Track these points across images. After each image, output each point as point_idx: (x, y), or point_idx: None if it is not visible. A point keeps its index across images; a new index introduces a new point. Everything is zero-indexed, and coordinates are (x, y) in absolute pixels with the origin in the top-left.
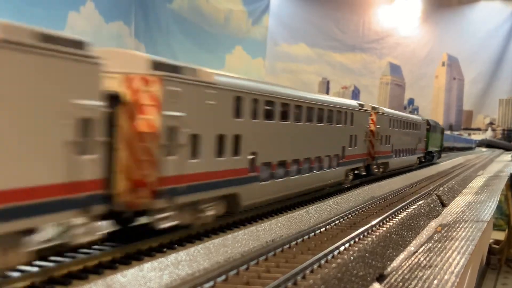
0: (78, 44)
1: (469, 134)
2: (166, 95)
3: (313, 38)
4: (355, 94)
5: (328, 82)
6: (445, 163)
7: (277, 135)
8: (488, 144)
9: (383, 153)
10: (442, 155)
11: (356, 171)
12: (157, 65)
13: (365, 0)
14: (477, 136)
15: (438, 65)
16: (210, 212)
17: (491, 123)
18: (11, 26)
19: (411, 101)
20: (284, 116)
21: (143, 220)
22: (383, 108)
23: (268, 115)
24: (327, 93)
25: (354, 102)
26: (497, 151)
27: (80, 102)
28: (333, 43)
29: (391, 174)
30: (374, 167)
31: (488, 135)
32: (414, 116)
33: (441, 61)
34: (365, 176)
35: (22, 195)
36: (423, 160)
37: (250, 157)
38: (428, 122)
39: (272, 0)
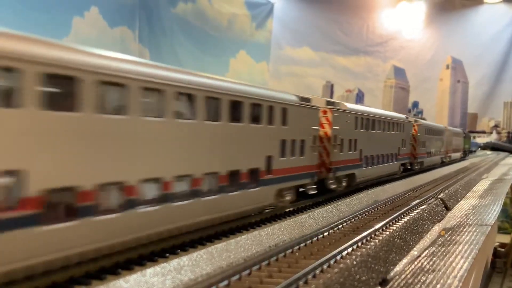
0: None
1: (474, 137)
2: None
3: (317, 41)
4: (359, 98)
5: (332, 86)
6: (448, 166)
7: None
8: (493, 147)
9: (451, 151)
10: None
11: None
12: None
13: (369, 4)
14: (482, 139)
15: (442, 68)
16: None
17: (495, 126)
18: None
19: (415, 104)
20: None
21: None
22: (448, 127)
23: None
24: (331, 96)
25: (442, 126)
26: (502, 154)
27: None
28: (337, 46)
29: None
30: (447, 158)
31: (493, 138)
32: (459, 129)
33: (445, 64)
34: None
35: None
36: (462, 156)
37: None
38: (464, 132)
39: (276, 4)
